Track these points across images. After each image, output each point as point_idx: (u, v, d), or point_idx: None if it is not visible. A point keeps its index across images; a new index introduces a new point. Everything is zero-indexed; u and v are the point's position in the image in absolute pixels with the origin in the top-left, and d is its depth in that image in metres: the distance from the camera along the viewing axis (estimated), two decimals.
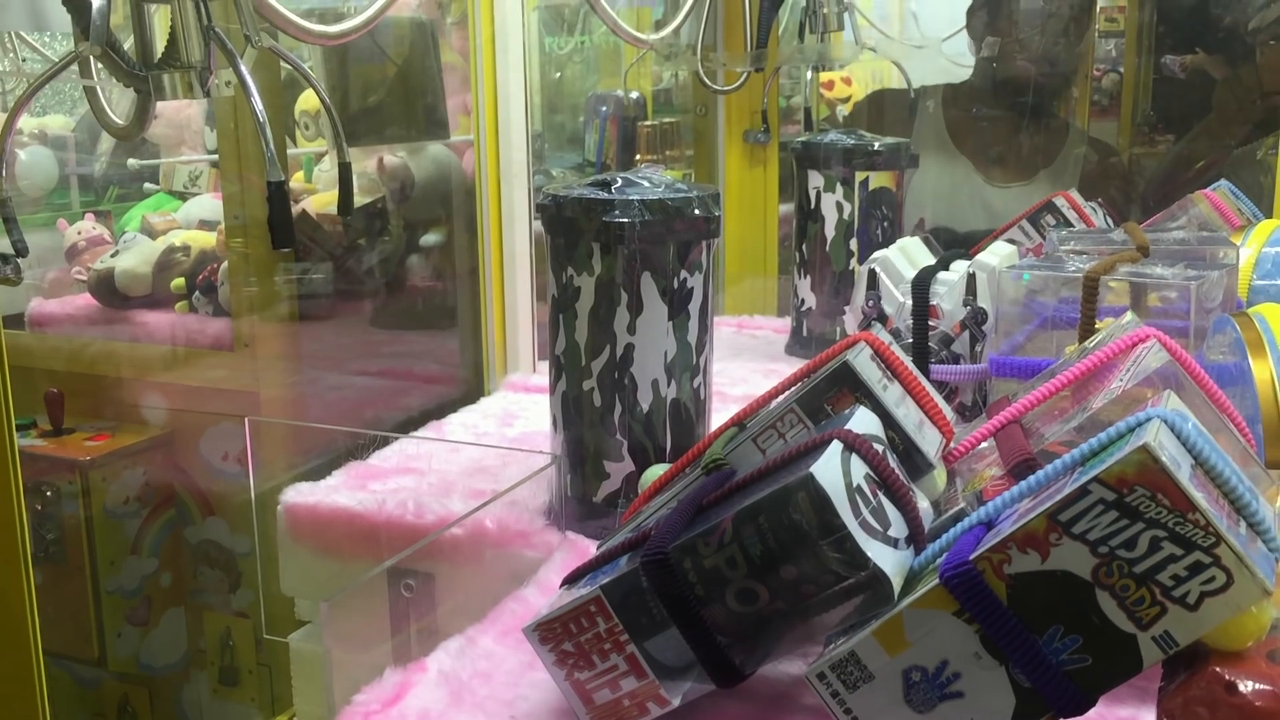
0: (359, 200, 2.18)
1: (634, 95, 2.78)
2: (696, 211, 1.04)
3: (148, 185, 2.63)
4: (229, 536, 2.12)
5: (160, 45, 0.88)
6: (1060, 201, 1.71)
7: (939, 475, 0.83)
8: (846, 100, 3.13)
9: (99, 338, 2.17)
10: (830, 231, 1.63)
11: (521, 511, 1.08)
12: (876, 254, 1.29)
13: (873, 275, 1.26)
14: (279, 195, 0.84)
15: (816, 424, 0.83)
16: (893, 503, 0.73)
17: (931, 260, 1.36)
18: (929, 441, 0.83)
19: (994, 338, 1.26)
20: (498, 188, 1.52)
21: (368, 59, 2.05)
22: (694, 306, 1.07)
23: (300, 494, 1.17)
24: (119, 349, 2.15)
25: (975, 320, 1.22)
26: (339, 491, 1.17)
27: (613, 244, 1.02)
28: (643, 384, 1.06)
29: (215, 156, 2.47)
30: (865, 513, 0.70)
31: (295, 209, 2.09)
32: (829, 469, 0.69)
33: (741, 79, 2.11)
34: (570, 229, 1.04)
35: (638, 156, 2.66)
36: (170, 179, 2.61)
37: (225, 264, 2.04)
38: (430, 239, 2.19)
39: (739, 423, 0.91)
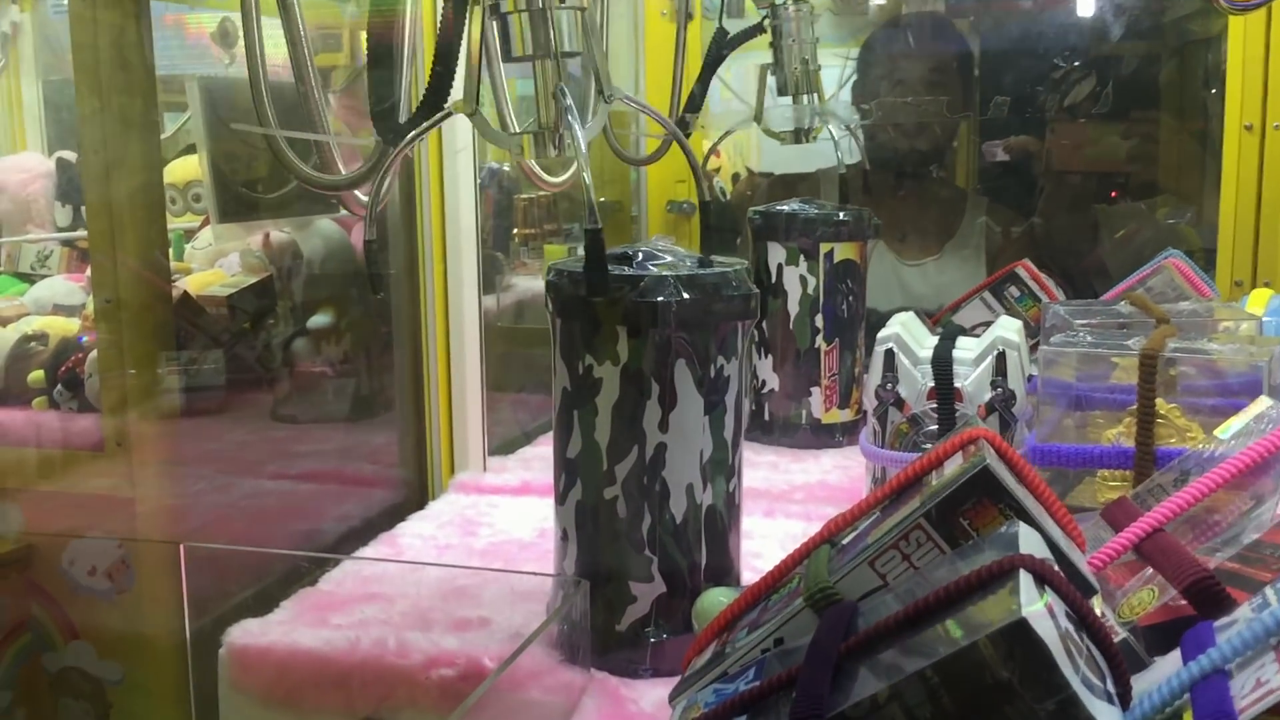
0: (244, 280, 1.98)
1: (506, 167, 2.67)
2: (735, 289, 0.90)
3: None
4: (96, 663, 1.85)
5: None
6: (1022, 272, 1.63)
7: (1096, 601, 0.69)
8: (717, 172, 3.06)
9: None
10: (794, 307, 1.51)
11: (529, 646, 0.90)
12: (885, 332, 1.16)
13: (890, 356, 1.13)
14: (596, 242, 0.80)
15: (951, 544, 0.69)
16: (1096, 647, 0.59)
17: (930, 336, 1.24)
18: (1079, 560, 0.70)
19: (1024, 422, 1.15)
20: (443, 264, 1.35)
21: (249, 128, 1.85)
22: (729, 398, 0.92)
23: (249, 634, 0.97)
24: None
25: (1005, 403, 1.11)
26: (297, 629, 0.97)
27: (644, 327, 0.87)
28: (675, 490, 0.90)
29: (75, 234, 2.24)
30: (1082, 664, 0.56)
31: (175, 291, 1.88)
32: (1037, 610, 0.55)
33: (662, 148, 1.99)
34: (589, 311, 0.88)
35: (514, 231, 2.54)
36: (16, 260, 2.34)
37: (93, 354, 1.80)
38: (322, 320, 1.99)
39: (828, 539, 0.76)
